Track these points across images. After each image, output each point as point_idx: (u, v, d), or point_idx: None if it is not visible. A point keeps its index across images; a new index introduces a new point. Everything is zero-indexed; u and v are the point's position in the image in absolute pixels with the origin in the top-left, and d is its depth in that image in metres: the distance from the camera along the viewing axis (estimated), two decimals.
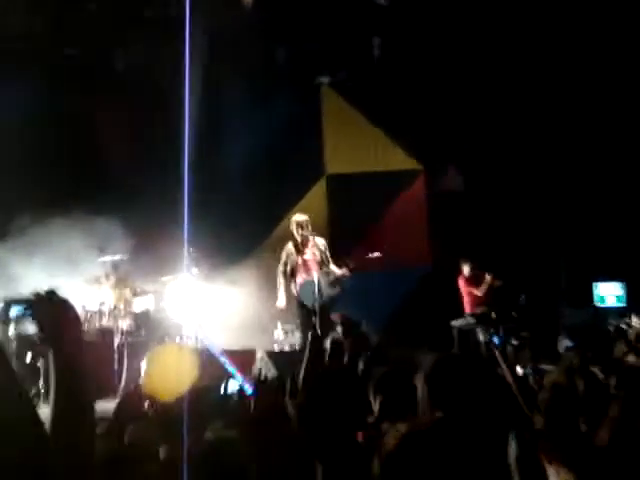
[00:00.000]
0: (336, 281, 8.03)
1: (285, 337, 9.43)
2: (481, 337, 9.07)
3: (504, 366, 3.07)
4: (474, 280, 9.96)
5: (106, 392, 7.07)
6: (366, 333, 8.91)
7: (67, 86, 10.00)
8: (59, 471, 1.52)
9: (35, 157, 9.41)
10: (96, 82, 10.27)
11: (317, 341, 4.45)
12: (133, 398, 2.69)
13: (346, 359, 4.35)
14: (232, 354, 7.90)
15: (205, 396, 3.14)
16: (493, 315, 9.51)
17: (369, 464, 1.87)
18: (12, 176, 8.83)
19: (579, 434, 2.81)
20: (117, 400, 2.84)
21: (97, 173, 10.09)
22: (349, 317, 8.90)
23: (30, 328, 1.69)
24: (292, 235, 8.04)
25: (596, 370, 4.13)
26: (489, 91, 10.57)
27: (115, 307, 8.58)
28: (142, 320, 8.75)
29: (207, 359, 7.25)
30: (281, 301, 8.05)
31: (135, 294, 8.91)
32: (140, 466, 2.42)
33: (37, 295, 1.69)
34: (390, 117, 11.05)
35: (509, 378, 2.99)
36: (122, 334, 8.26)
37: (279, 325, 9.49)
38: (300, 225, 7.97)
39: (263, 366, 7.39)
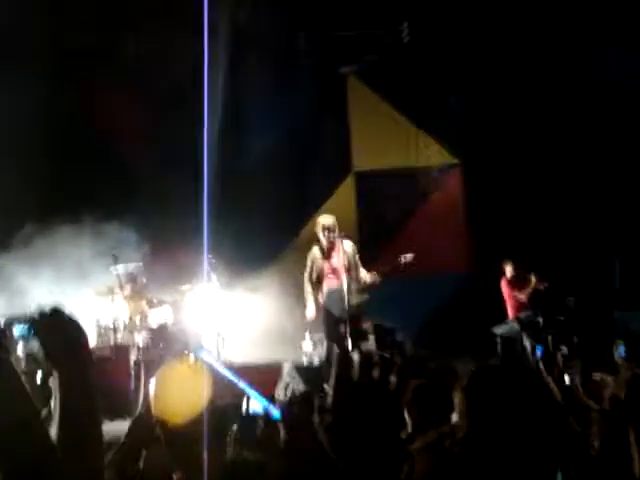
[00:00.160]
0: (366, 288, 7.96)
1: (314, 348, 9.38)
2: (527, 344, 8.97)
3: (549, 379, 3.03)
4: (518, 282, 9.86)
5: (122, 412, 7.11)
6: (401, 342, 8.90)
7: (78, 84, 10.06)
8: None
9: (41, 158, 9.43)
10: (110, 78, 10.20)
11: (345, 355, 4.44)
12: (146, 421, 2.71)
13: (377, 373, 4.33)
14: (256, 369, 7.89)
15: (223, 416, 3.15)
16: (539, 320, 9.40)
17: None
18: (19, 177, 8.85)
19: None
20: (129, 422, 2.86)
21: (110, 176, 10.04)
22: (382, 325, 8.89)
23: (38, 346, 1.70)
24: (317, 239, 7.93)
25: None
26: (531, 75, 10.48)
27: (130, 320, 8.56)
28: (160, 334, 8.67)
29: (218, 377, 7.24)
30: (310, 311, 7.98)
31: (151, 305, 8.83)
32: None
33: (39, 313, 1.69)
34: (422, 107, 10.99)
35: (556, 392, 2.94)
36: (138, 350, 8.27)
37: (307, 336, 9.44)
38: (326, 228, 7.80)
39: (291, 381, 7.37)
